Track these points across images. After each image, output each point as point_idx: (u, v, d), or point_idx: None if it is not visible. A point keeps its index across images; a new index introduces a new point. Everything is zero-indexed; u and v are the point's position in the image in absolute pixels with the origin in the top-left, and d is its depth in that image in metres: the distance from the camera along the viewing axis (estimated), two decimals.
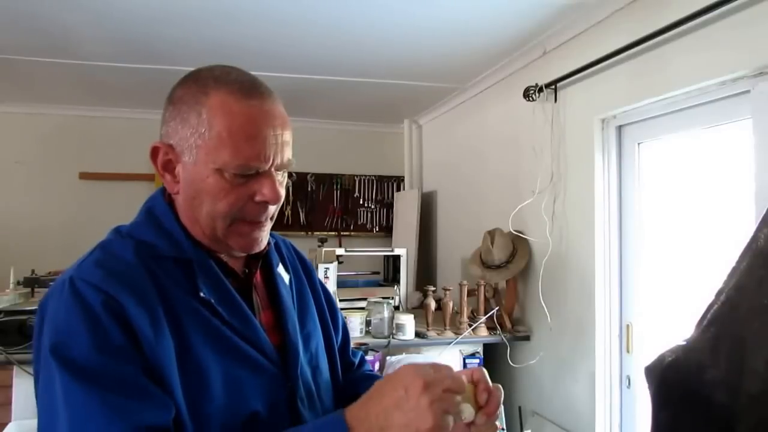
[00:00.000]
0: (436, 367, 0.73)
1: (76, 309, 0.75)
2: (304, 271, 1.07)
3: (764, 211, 0.84)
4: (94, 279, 0.77)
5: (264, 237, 0.90)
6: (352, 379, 1.09)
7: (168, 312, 0.80)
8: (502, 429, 2.61)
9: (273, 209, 0.88)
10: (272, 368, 0.88)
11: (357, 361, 1.15)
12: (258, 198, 0.84)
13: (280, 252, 1.03)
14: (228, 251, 0.90)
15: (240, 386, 0.83)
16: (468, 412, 0.76)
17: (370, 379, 1.08)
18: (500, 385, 0.80)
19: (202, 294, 0.83)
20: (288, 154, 0.86)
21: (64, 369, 0.72)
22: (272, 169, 0.84)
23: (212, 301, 0.84)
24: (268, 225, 0.90)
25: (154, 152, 0.86)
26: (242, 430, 0.82)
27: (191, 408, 0.78)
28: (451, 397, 0.71)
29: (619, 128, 2.24)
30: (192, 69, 0.89)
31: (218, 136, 0.80)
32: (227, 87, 0.82)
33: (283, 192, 0.87)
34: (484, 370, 0.81)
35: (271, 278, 0.97)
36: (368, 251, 3.82)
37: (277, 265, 0.99)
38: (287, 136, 0.85)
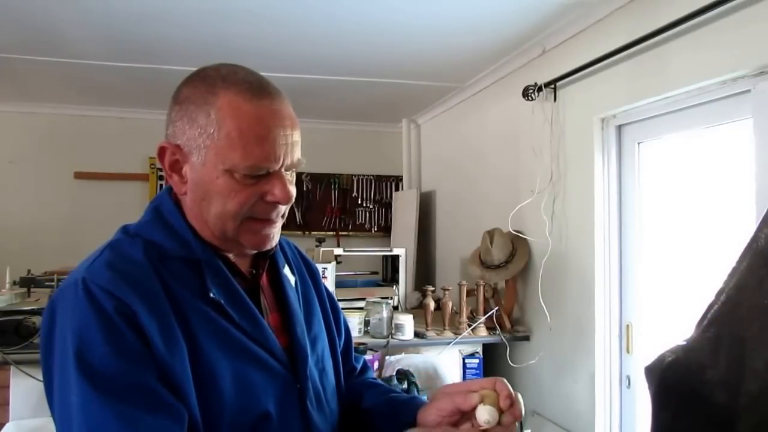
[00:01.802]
0: None
1: (92, 313, 0.74)
2: (308, 274, 1.06)
3: (764, 211, 0.83)
4: (105, 283, 0.77)
5: (275, 234, 0.90)
6: (355, 385, 1.08)
7: (178, 314, 0.79)
8: None
9: (284, 208, 0.88)
10: (282, 370, 0.87)
11: (359, 366, 1.14)
12: (269, 198, 0.84)
13: (285, 254, 1.02)
14: (239, 250, 0.89)
15: (251, 386, 0.83)
16: (494, 415, 0.79)
17: (374, 387, 1.08)
18: (518, 393, 0.83)
19: (211, 295, 0.83)
20: (298, 153, 0.85)
21: (82, 377, 0.72)
22: (282, 170, 0.84)
23: (221, 302, 0.84)
24: (279, 223, 0.89)
25: (161, 152, 0.86)
26: (253, 430, 0.82)
27: (204, 408, 0.78)
28: None
29: (619, 128, 2.24)
30: (188, 69, 0.88)
31: (228, 136, 0.80)
32: (236, 86, 0.81)
33: (294, 191, 0.86)
34: (506, 381, 0.83)
35: (277, 280, 0.97)
36: (367, 251, 3.81)
37: (284, 267, 0.99)
38: (297, 135, 0.85)
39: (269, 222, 0.87)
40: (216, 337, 0.81)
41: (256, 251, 0.91)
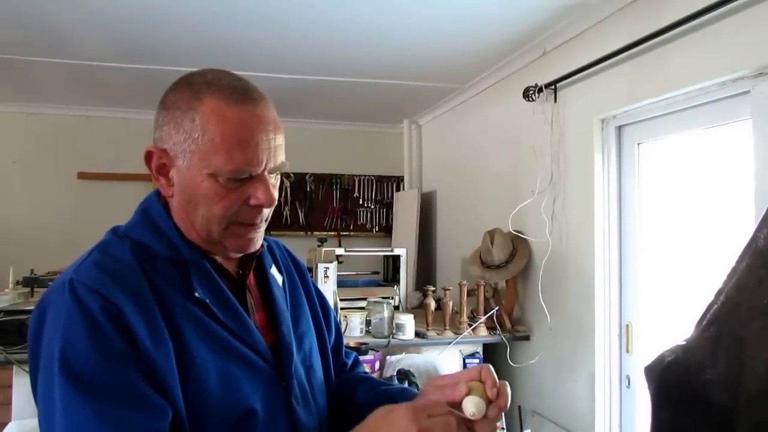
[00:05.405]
0: (433, 410, 0.76)
1: (76, 313, 0.76)
2: (297, 273, 1.08)
3: (764, 211, 0.84)
4: (92, 282, 0.78)
5: (259, 237, 0.91)
6: (346, 380, 1.10)
7: (164, 313, 0.81)
8: (502, 429, 2.61)
9: (267, 212, 0.89)
10: (267, 367, 0.89)
11: (350, 362, 1.16)
12: (253, 202, 0.85)
13: (273, 254, 1.04)
14: (223, 253, 0.91)
15: (236, 384, 0.84)
16: (480, 406, 0.79)
17: (366, 381, 1.09)
18: (506, 382, 0.83)
19: (197, 294, 0.85)
20: (281, 157, 0.87)
21: (63, 376, 0.73)
22: (265, 173, 0.85)
23: (207, 301, 0.85)
24: (263, 226, 0.91)
25: (148, 156, 0.88)
26: (239, 428, 0.83)
27: (189, 405, 0.79)
28: None
29: (619, 128, 2.24)
30: (190, 69, 0.90)
31: (212, 141, 0.81)
32: (220, 92, 0.83)
33: (276, 194, 0.88)
34: (491, 367, 0.83)
35: (264, 280, 0.99)
36: (368, 251, 3.82)
37: (270, 267, 1.00)
38: (280, 139, 0.87)
39: (253, 226, 0.88)
40: (202, 336, 0.83)
41: (240, 255, 0.93)
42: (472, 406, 0.79)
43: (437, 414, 0.75)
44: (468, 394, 0.80)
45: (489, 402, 0.80)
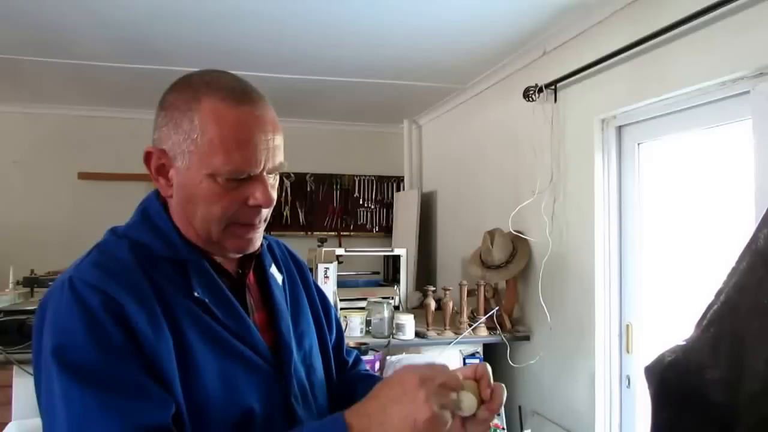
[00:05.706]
0: (432, 366, 0.76)
1: (76, 309, 0.76)
2: (297, 272, 1.08)
3: (764, 212, 0.84)
4: (92, 279, 0.79)
5: (258, 238, 0.92)
6: (348, 378, 1.10)
7: (165, 311, 0.81)
8: (503, 429, 2.61)
9: (266, 212, 0.90)
10: (266, 367, 0.89)
11: (351, 360, 1.16)
12: (251, 202, 0.86)
13: (272, 253, 1.05)
14: (222, 253, 0.91)
15: (235, 383, 0.85)
16: (470, 404, 0.77)
17: (368, 378, 1.10)
18: (503, 384, 0.81)
19: (196, 294, 0.85)
20: (280, 157, 0.87)
21: (63, 370, 0.73)
22: (264, 173, 0.86)
23: (206, 300, 0.86)
24: (262, 226, 0.91)
25: (147, 157, 0.88)
26: (237, 426, 0.83)
27: (188, 404, 0.79)
28: (446, 392, 0.74)
29: (619, 128, 2.25)
30: (190, 70, 0.90)
31: (210, 142, 0.82)
32: (219, 93, 0.83)
33: (275, 195, 0.89)
34: (488, 366, 0.82)
35: (264, 279, 0.99)
36: (368, 251, 3.82)
37: (270, 266, 1.01)
38: (278, 140, 0.87)
39: (252, 227, 0.89)
40: (201, 335, 0.83)
41: (239, 255, 0.93)
42: (462, 402, 0.78)
43: (437, 367, 0.76)
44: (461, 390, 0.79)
45: (482, 402, 0.79)
